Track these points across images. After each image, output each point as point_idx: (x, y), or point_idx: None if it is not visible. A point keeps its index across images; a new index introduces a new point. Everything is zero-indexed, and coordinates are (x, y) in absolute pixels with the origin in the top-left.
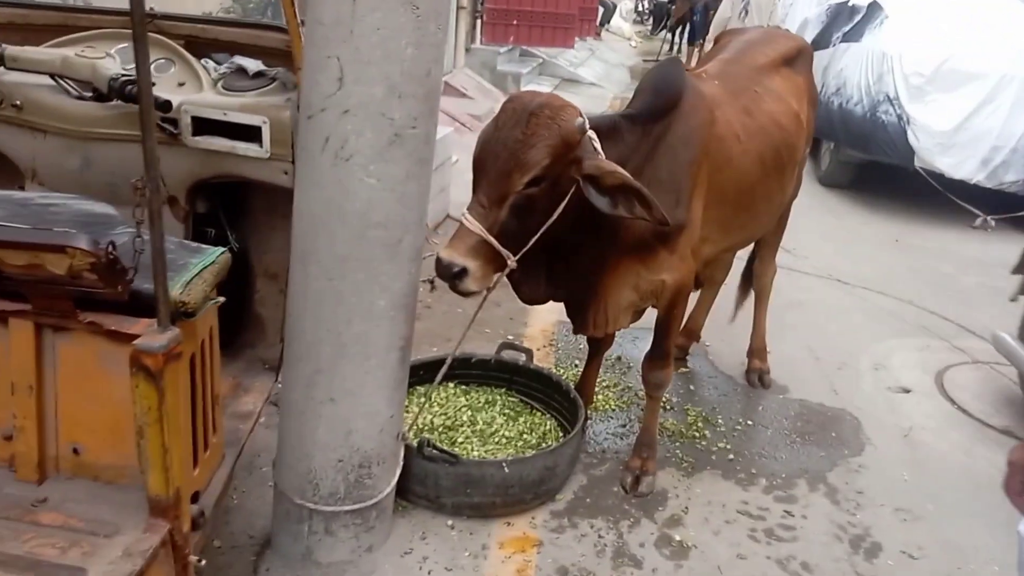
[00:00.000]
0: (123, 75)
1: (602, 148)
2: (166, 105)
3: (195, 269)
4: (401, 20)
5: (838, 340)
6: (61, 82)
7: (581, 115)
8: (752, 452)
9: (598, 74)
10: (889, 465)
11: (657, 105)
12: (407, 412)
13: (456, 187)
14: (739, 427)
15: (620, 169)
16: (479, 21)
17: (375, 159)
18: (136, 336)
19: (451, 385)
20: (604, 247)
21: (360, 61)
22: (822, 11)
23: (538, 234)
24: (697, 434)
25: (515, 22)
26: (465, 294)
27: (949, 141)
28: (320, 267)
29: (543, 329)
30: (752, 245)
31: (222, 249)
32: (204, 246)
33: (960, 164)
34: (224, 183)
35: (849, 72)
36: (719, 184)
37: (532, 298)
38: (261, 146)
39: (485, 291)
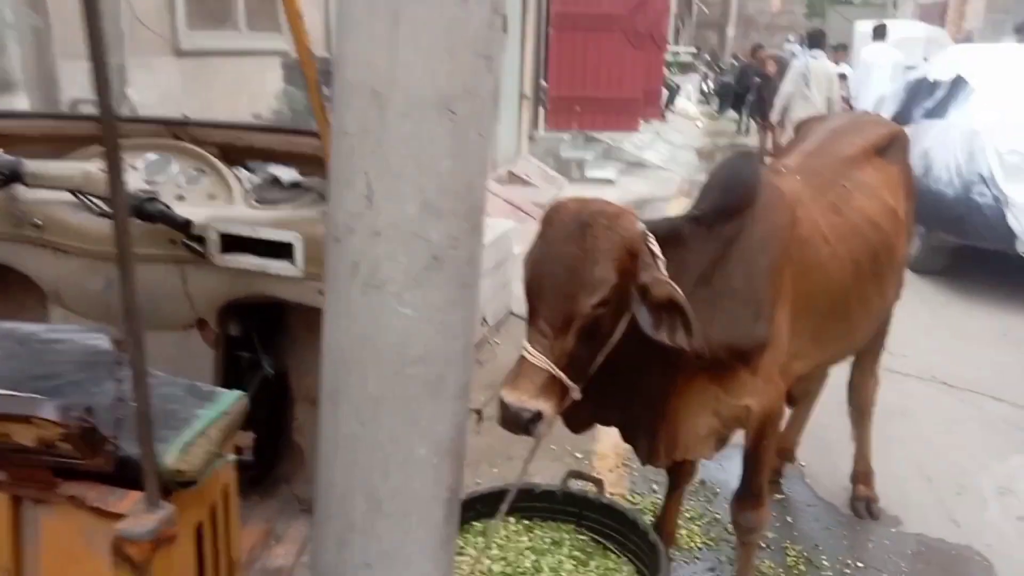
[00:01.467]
0: (140, 191)
1: (663, 256)
2: (186, 224)
3: (199, 425)
4: (436, 128)
5: (952, 457)
6: (83, 199)
7: (639, 220)
8: None
9: (664, 157)
10: None
11: (727, 204)
12: (462, 555)
13: (518, 282)
14: (848, 570)
15: (669, 282)
16: (542, 108)
17: (410, 286)
18: (121, 515)
19: (512, 521)
20: (671, 366)
21: (390, 175)
22: (899, 87)
23: (600, 358)
24: None
25: (578, 108)
26: (539, 438)
27: None
28: (351, 409)
29: (615, 445)
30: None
31: (238, 394)
32: (217, 390)
33: None
34: (259, 302)
35: (936, 151)
36: (807, 292)
37: (579, 425)
38: (294, 264)
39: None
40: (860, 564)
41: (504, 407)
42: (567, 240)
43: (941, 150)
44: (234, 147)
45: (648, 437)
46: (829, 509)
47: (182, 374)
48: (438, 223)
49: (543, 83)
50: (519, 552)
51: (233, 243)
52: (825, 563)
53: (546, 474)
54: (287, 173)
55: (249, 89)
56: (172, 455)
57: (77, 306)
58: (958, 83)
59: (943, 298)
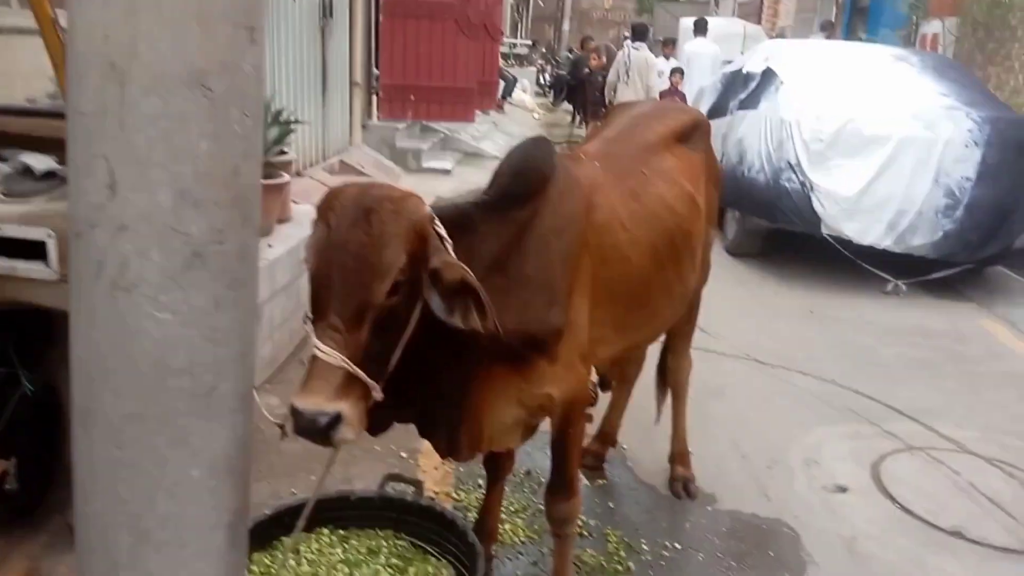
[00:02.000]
0: None
1: (453, 241)
2: None
3: None
4: (187, 106)
5: (764, 432)
6: None
7: (425, 204)
8: None
9: (501, 147)
10: None
11: (517, 189)
12: (270, 575)
13: None
14: (667, 552)
15: (461, 265)
16: (375, 97)
17: (167, 287)
18: None
19: (325, 532)
20: (465, 359)
21: (136, 161)
22: (716, 79)
23: (398, 351)
24: (620, 567)
25: (412, 97)
26: (339, 444)
27: (854, 207)
28: (106, 430)
29: None
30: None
31: None
32: None
33: (867, 230)
34: (15, 310)
35: (749, 140)
36: (606, 279)
37: (377, 427)
38: (48, 265)
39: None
40: (678, 545)
41: (297, 415)
42: (353, 226)
43: (753, 139)
44: None
45: (448, 431)
46: (649, 491)
47: None
48: (197, 214)
49: (375, 70)
50: (331, 566)
51: None
52: (645, 547)
53: (370, 477)
54: (41, 162)
55: (21, 70)
56: None
57: None
58: (768, 75)
59: (758, 279)
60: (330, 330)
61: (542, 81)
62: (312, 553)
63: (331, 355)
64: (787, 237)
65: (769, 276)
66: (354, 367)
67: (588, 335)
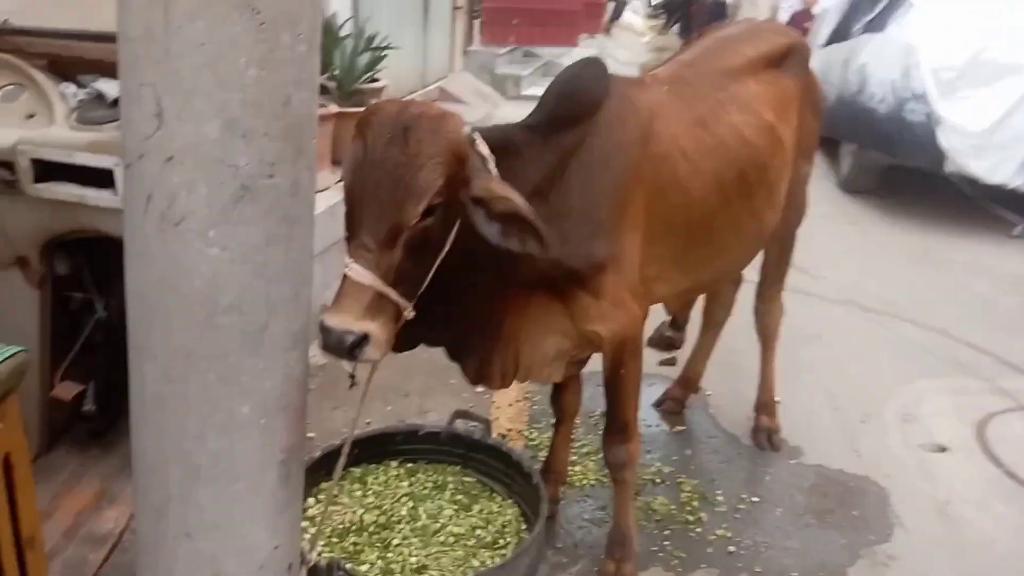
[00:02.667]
0: None
1: (496, 165)
2: None
3: None
4: (234, 30)
5: (861, 383)
6: None
7: (465, 123)
8: (757, 541)
9: None
10: (923, 554)
11: (563, 113)
12: (336, 504)
13: None
14: (743, 505)
15: (513, 194)
16: (477, 21)
17: (217, 222)
18: None
19: (394, 464)
20: (502, 285)
21: (182, 89)
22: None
23: (431, 272)
24: (691, 517)
25: (515, 21)
26: (365, 362)
27: (984, 142)
28: (157, 366)
29: None
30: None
31: (14, 348)
32: None
33: (996, 167)
34: (91, 237)
35: (872, 67)
36: (663, 212)
37: (405, 345)
38: (115, 194)
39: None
40: (756, 499)
41: (325, 331)
42: (389, 144)
43: (877, 65)
44: (63, 58)
45: (479, 357)
46: (730, 441)
47: (3, 318)
48: (246, 146)
49: None
50: (396, 499)
51: (50, 170)
52: (720, 498)
53: (443, 411)
54: (114, 88)
55: None
56: None
57: None
58: None
59: (870, 218)
60: (362, 249)
61: (654, 3)
62: (379, 485)
63: (362, 274)
64: (906, 174)
65: (883, 215)
66: (385, 287)
67: (643, 272)
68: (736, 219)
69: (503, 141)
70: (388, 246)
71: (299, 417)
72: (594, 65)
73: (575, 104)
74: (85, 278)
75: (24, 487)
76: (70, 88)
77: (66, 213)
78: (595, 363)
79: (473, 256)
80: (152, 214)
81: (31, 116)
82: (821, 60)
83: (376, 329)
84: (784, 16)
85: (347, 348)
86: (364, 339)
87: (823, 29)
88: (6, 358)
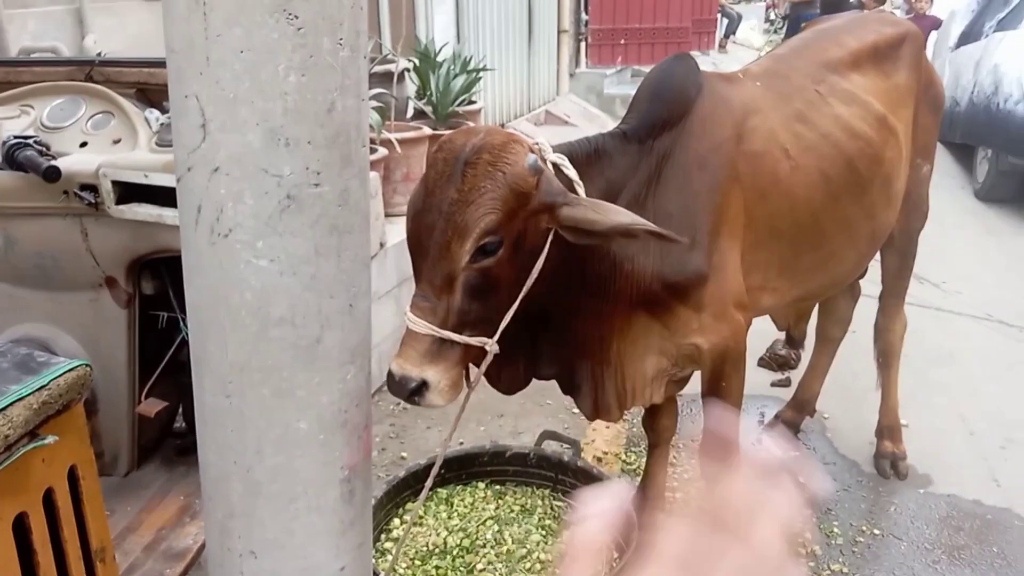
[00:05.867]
0: (16, 137)
1: (582, 179)
2: (51, 172)
3: None
4: (272, 36)
5: (1000, 406)
6: None
7: (533, 149)
8: None
9: None
10: None
11: (656, 116)
12: (421, 525)
13: None
14: (862, 538)
15: (617, 217)
16: (583, 44)
17: (264, 233)
18: None
19: (481, 486)
20: (603, 307)
21: (224, 99)
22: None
23: (514, 307)
24: (803, 550)
25: (622, 41)
26: (430, 407)
27: None
28: (214, 380)
29: None
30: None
31: (76, 363)
32: (53, 361)
33: None
34: (175, 257)
35: (1007, 66)
36: (765, 216)
37: (515, 386)
38: None
39: (467, 387)
40: (877, 531)
41: (389, 376)
42: (446, 183)
43: (1012, 64)
44: (150, 86)
45: (593, 387)
46: (850, 467)
47: (93, 337)
48: (290, 155)
49: (584, 16)
50: (481, 522)
51: (132, 192)
52: (836, 530)
53: (536, 432)
54: None
55: None
56: None
57: None
58: None
59: (1011, 228)
60: (419, 297)
61: (772, 17)
62: (465, 507)
63: (417, 324)
64: None
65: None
66: (443, 332)
67: (746, 280)
68: (847, 218)
69: (596, 152)
70: (445, 291)
71: (361, 434)
72: (684, 62)
73: (668, 104)
74: (170, 297)
75: (92, 498)
76: (154, 114)
77: (147, 233)
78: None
79: (573, 280)
80: (203, 226)
81: (117, 141)
82: (952, 63)
83: (436, 374)
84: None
85: (407, 393)
86: (423, 385)
87: (952, 31)
88: (67, 371)
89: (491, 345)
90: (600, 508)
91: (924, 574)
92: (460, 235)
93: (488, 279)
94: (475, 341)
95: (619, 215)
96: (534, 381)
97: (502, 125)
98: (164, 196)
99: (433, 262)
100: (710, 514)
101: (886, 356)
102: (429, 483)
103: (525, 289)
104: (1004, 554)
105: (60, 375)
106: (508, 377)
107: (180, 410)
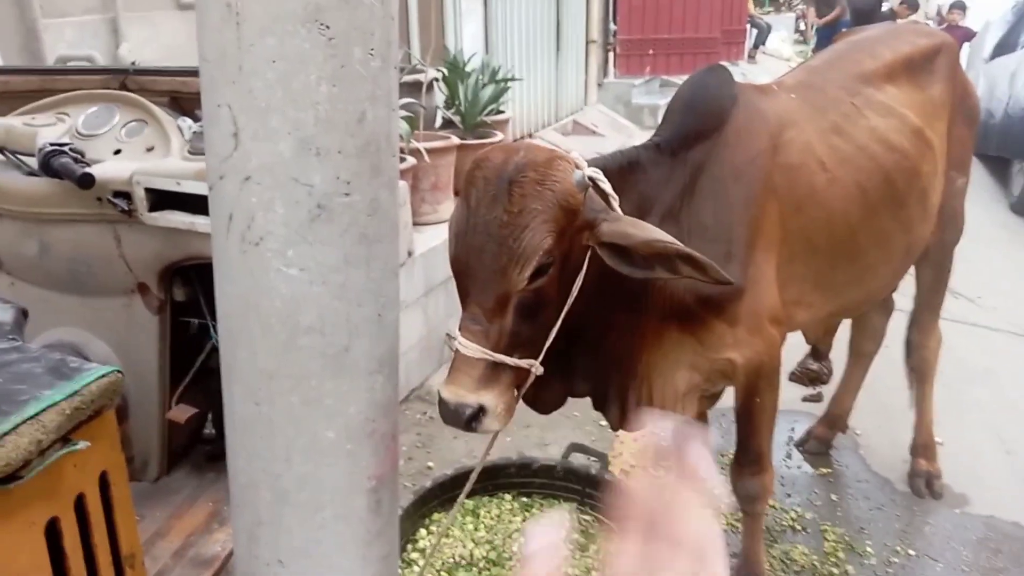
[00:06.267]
0: (52, 144)
1: (616, 193)
2: (85, 179)
3: (30, 411)
4: (304, 46)
5: None
6: (11, 156)
7: (577, 164)
8: None
9: None
10: None
11: (690, 127)
12: (447, 536)
13: None
14: (896, 559)
15: (653, 234)
16: (611, 54)
17: (294, 241)
18: None
19: (508, 498)
20: (636, 322)
21: (256, 108)
22: (1007, 10)
23: (557, 325)
24: (836, 570)
25: (651, 51)
26: (486, 432)
27: None
28: (244, 387)
29: None
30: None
31: (104, 370)
32: (86, 367)
33: None
34: (206, 264)
35: None
36: (801, 229)
37: (548, 404)
38: None
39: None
40: (912, 552)
41: (442, 404)
42: (492, 204)
43: None
44: (183, 94)
45: (620, 400)
46: (883, 485)
47: (125, 343)
48: (320, 164)
49: (612, 26)
50: (508, 535)
51: (164, 199)
52: (869, 549)
53: (564, 444)
54: None
55: None
56: None
57: (18, 272)
58: None
59: None
60: (469, 320)
61: (802, 27)
62: (491, 519)
63: (470, 348)
64: None
65: None
66: (497, 356)
67: (780, 295)
68: (883, 232)
69: (629, 165)
70: (497, 314)
71: (388, 444)
72: (719, 73)
73: (702, 115)
74: (200, 304)
75: (122, 504)
76: (187, 122)
77: (179, 240)
78: (728, 399)
79: (607, 296)
80: (234, 234)
81: (150, 149)
82: (986, 75)
83: (492, 399)
84: None
85: (464, 421)
86: (481, 411)
87: (987, 42)
88: (99, 377)
89: (536, 367)
90: (546, 542)
91: None
92: (518, 259)
93: (539, 299)
94: (524, 363)
95: (658, 233)
96: None
97: (530, 135)
98: (196, 204)
99: (484, 284)
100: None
101: (920, 372)
102: (462, 497)
103: (567, 307)
104: None
105: (93, 381)
106: (545, 397)
107: (210, 417)
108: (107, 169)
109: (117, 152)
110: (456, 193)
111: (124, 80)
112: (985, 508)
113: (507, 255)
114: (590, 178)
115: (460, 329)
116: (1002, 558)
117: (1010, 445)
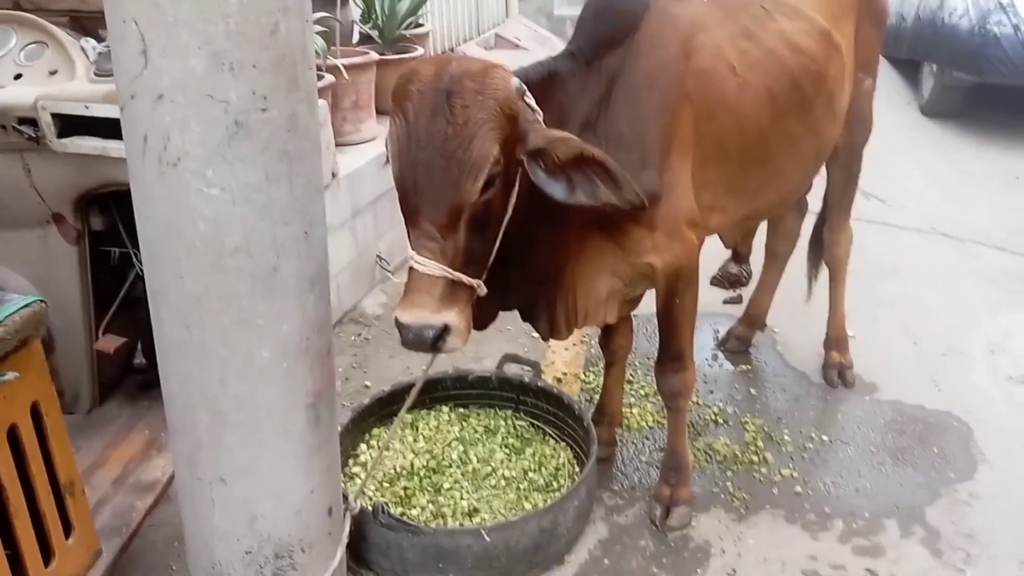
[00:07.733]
0: None
1: (539, 105)
2: None
3: None
4: None
5: (943, 315)
6: None
7: (510, 73)
8: (826, 481)
9: None
10: (1009, 491)
11: (603, 34)
12: (388, 449)
13: None
14: (811, 444)
15: (571, 136)
16: None
17: (213, 160)
18: None
19: (445, 409)
20: (560, 233)
21: (164, 23)
22: None
23: (498, 242)
24: (756, 458)
25: None
26: (450, 352)
27: None
28: (172, 312)
29: None
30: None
31: (31, 299)
32: (11, 298)
33: None
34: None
35: None
36: (713, 134)
37: (484, 320)
38: None
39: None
40: (825, 437)
41: (403, 329)
42: (433, 117)
43: None
44: (83, 13)
45: (548, 310)
46: (799, 378)
47: (43, 275)
48: (235, 79)
49: None
50: (447, 444)
51: (72, 125)
52: (787, 438)
53: (498, 357)
54: None
55: None
56: None
57: None
58: None
59: (955, 142)
60: (425, 238)
61: None
62: (430, 430)
63: (429, 266)
64: (993, 93)
65: (969, 139)
66: (455, 273)
67: (697, 199)
68: (793, 136)
69: (547, 76)
70: (451, 230)
71: (324, 360)
72: None
73: (613, 21)
74: (120, 232)
75: (57, 434)
76: (90, 42)
77: (92, 167)
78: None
79: (534, 209)
80: (150, 156)
81: (54, 73)
82: None
83: (455, 317)
84: None
85: (429, 342)
86: (445, 330)
87: None
88: (22, 307)
89: (480, 287)
90: None
91: (870, 476)
92: (469, 171)
93: (488, 212)
94: (473, 281)
95: (586, 146)
96: None
97: (451, 50)
98: (107, 128)
99: (435, 200)
100: None
101: (832, 269)
102: (403, 412)
103: (505, 220)
104: (944, 454)
105: (16, 311)
106: (481, 313)
107: (139, 346)
108: (9, 95)
109: (17, 77)
110: (379, 112)
111: None
112: (892, 394)
113: (457, 167)
114: (521, 90)
115: (414, 248)
116: (906, 438)
117: (917, 336)
